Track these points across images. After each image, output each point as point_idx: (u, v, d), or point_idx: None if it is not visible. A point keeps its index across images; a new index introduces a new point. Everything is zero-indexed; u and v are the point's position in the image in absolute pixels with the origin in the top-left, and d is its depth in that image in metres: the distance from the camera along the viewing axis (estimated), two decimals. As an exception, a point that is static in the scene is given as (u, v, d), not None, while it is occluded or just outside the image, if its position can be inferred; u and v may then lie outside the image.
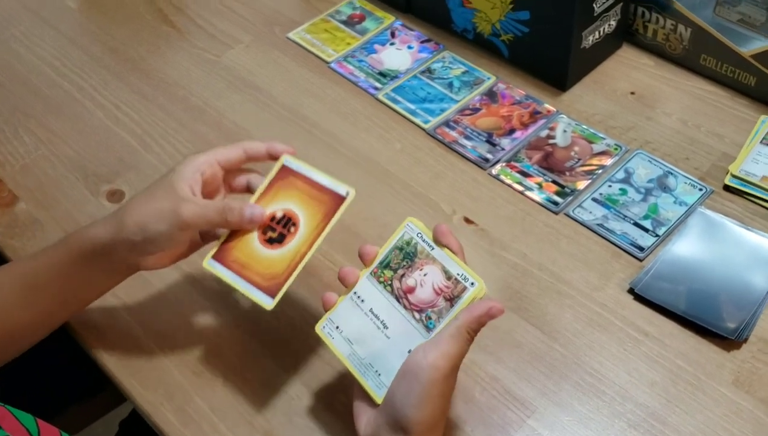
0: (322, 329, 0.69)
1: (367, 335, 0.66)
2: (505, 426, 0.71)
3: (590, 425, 0.70)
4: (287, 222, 0.71)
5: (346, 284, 0.69)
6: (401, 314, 0.65)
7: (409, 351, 0.62)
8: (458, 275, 0.64)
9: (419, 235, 0.67)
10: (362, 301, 0.67)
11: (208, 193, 0.72)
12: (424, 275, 0.65)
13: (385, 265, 0.68)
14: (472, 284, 0.63)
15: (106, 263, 0.70)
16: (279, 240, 0.70)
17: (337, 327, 0.68)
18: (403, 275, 0.66)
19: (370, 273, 0.68)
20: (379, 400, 0.63)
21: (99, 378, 0.82)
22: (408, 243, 0.67)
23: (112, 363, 0.78)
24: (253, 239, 0.70)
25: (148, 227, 0.67)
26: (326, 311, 0.69)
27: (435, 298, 0.64)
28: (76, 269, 0.71)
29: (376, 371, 0.64)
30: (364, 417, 0.64)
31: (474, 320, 0.61)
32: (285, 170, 0.73)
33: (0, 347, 0.73)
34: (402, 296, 0.66)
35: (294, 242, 0.69)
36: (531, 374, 0.74)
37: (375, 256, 0.68)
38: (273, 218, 0.71)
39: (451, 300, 0.63)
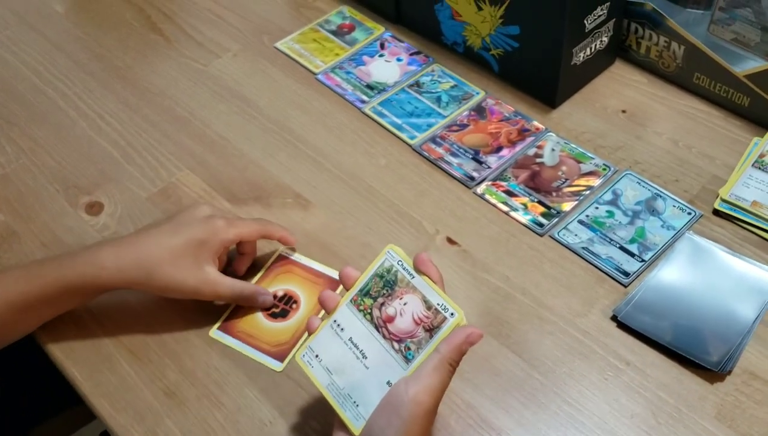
0: (302, 357, 0.67)
1: (347, 364, 0.65)
2: (480, 457, 0.69)
3: (567, 457, 0.69)
4: (289, 300, 0.81)
5: (326, 308, 0.68)
6: (380, 344, 0.64)
7: (388, 383, 0.61)
8: (438, 304, 0.62)
9: (399, 262, 0.65)
10: (342, 329, 0.66)
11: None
12: (404, 304, 0.64)
13: (365, 293, 0.66)
14: (452, 314, 0.62)
15: (102, 293, 0.76)
16: (282, 315, 0.80)
17: (317, 356, 0.66)
18: (382, 304, 0.65)
19: (350, 301, 0.67)
20: (356, 431, 0.62)
21: (70, 394, 0.81)
22: (388, 271, 0.66)
23: (83, 382, 0.76)
24: (258, 314, 0.80)
25: (169, 292, 0.75)
26: (309, 334, 0.67)
27: (414, 328, 0.63)
28: (73, 298, 0.76)
29: (354, 402, 0.63)
30: None
31: (454, 350, 0.60)
32: (283, 258, 0.84)
33: None
34: (381, 326, 0.64)
35: (297, 316, 0.80)
36: (508, 402, 0.73)
37: (356, 280, 0.66)
38: (275, 296, 0.81)
39: (431, 331, 0.62)
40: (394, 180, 0.92)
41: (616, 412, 0.71)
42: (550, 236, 0.85)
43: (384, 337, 0.64)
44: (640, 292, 0.78)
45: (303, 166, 0.95)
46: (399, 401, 0.59)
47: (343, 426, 0.63)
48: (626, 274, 0.80)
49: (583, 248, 0.83)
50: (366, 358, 0.64)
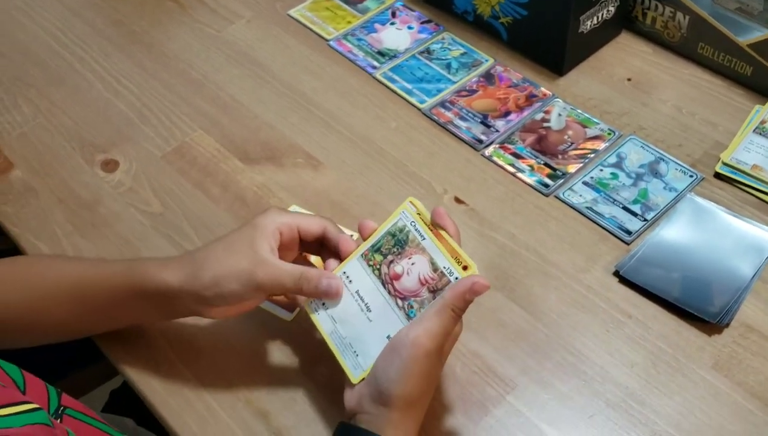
0: (309, 304, 0.70)
1: (351, 315, 0.67)
2: (485, 402, 0.72)
3: (569, 403, 0.71)
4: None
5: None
6: (385, 299, 0.66)
7: (388, 337, 0.63)
8: (444, 268, 0.64)
9: (413, 223, 0.68)
10: (350, 281, 0.68)
11: (283, 254, 0.70)
12: (412, 263, 0.66)
13: (377, 249, 0.68)
14: (457, 278, 0.63)
15: (167, 305, 0.69)
16: None
17: (323, 304, 0.69)
18: (392, 262, 0.67)
19: (361, 255, 0.69)
20: (354, 380, 0.64)
21: (91, 350, 0.83)
22: (401, 230, 0.68)
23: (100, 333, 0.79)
24: None
25: (222, 284, 0.65)
26: None
27: (419, 288, 0.65)
28: (133, 301, 0.70)
29: (355, 352, 0.65)
30: (350, 389, 0.65)
31: (458, 297, 0.61)
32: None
33: (31, 336, 0.75)
34: (388, 282, 0.66)
35: None
36: (513, 352, 0.75)
37: (373, 231, 0.69)
38: None
39: (435, 292, 0.64)
40: (404, 142, 0.94)
41: (617, 361, 0.74)
42: (556, 197, 0.87)
43: (389, 293, 0.66)
44: (642, 249, 0.80)
45: (315, 128, 0.97)
46: (400, 343, 0.61)
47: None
48: (628, 232, 0.82)
49: (587, 207, 0.85)
50: (370, 311, 0.66)
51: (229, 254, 0.66)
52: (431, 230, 0.66)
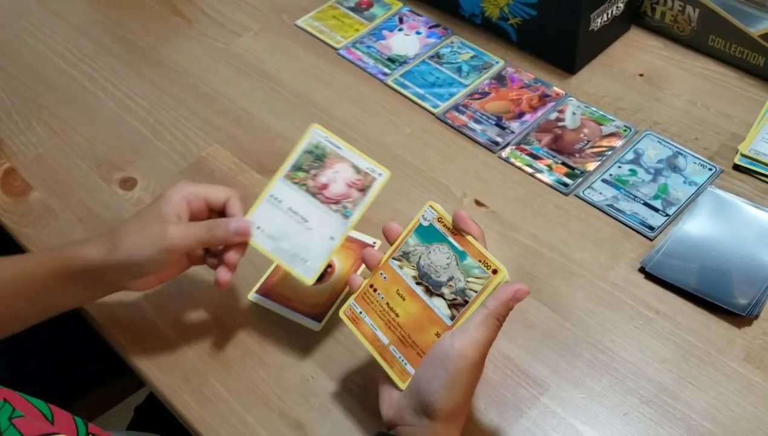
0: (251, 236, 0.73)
1: (290, 230, 0.72)
2: (519, 404, 0.72)
3: (603, 401, 0.71)
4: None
5: (369, 265, 0.69)
6: (318, 208, 0.72)
7: (331, 238, 0.69)
8: (367, 168, 0.70)
9: (326, 138, 0.74)
10: (280, 202, 0.73)
11: (192, 217, 0.73)
12: (335, 172, 0.72)
13: (297, 168, 0.74)
14: (380, 174, 0.70)
15: (93, 281, 0.73)
16: (318, 280, 0.75)
17: (258, 227, 0.72)
18: (315, 175, 0.73)
19: (284, 176, 0.74)
20: (307, 282, 0.70)
21: (116, 365, 0.83)
22: (316, 147, 0.74)
23: (129, 348, 0.79)
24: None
25: (137, 251, 0.70)
26: (352, 292, 0.70)
27: (348, 190, 0.71)
28: (62, 283, 0.72)
29: (303, 259, 0.71)
30: (388, 399, 0.65)
31: (502, 306, 0.61)
32: None
33: None
34: (317, 193, 0.72)
35: (332, 279, 0.82)
36: (544, 352, 0.75)
37: (399, 234, 0.69)
38: None
39: (364, 190, 0.70)
40: (420, 147, 0.94)
41: (648, 358, 0.74)
42: (575, 195, 0.87)
43: (321, 202, 0.72)
44: (666, 243, 0.80)
45: (329, 137, 0.97)
46: (445, 354, 0.61)
47: (389, 380, 0.65)
48: (651, 228, 0.82)
49: (608, 205, 0.85)
50: (307, 221, 0.72)
51: (140, 225, 0.71)
52: (453, 235, 0.66)
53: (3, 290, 0.73)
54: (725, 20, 0.94)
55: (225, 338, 0.78)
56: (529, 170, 0.90)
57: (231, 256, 0.72)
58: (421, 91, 1.00)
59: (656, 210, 0.84)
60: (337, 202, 0.71)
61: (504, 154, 0.92)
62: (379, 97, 1.01)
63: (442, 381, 0.60)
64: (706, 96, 0.96)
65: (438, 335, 0.63)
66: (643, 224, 0.83)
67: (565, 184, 0.88)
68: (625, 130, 0.92)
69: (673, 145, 0.90)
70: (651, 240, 0.82)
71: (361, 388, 0.73)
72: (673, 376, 0.72)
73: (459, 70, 1.02)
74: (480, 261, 0.64)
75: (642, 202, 0.85)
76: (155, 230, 0.69)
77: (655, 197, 0.85)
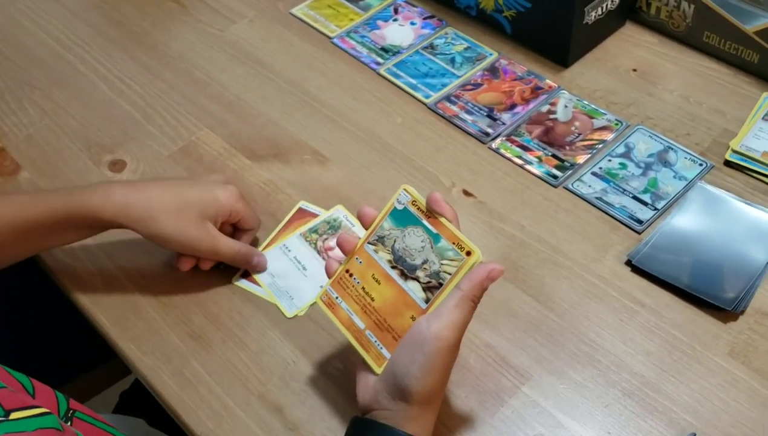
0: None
1: (289, 273, 0.81)
2: (500, 393, 0.71)
3: (585, 393, 0.71)
4: None
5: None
6: (319, 263, 0.81)
7: (321, 286, 0.69)
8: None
9: (345, 217, 0.84)
10: (289, 250, 0.83)
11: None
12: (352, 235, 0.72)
13: (314, 230, 0.83)
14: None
15: (102, 229, 0.77)
16: None
17: None
18: (326, 239, 0.82)
19: (299, 234, 0.83)
20: (287, 315, 0.77)
21: (102, 350, 0.82)
22: (335, 220, 0.84)
23: (111, 328, 0.78)
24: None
25: (167, 242, 0.76)
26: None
27: None
28: (80, 230, 0.77)
29: (291, 297, 0.78)
30: (363, 384, 0.64)
31: (476, 287, 0.61)
32: (302, 211, 0.87)
33: None
34: (322, 251, 0.82)
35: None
36: (527, 342, 0.74)
37: (374, 218, 0.68)
38: None
39: None
40: (411, 137, 0.94)
41: (632, 350, 0.73)
42: (564, 187, 0.87)
43: (323, 259, 0.80)
44: (654, 237, 0.80)
45: (320, 124, 0.96)
46: (421, 337, 0.60)
47: (366, 366, 0.65)
48: (639, 221, 0.82)
49: (596, 197, 0.85)
50: (306, 270, 0.81)
51: (180, 221, 0.75)
52: (427, 218, 0.65)
53: (15, 234, 0.74)
54: (720, 16, 0.94)
55: (207, 321, 0.78)
56: (519, 162, 0.89)
57: (205, 265, 0.81)
58: (413, 81, 1.00)
59: (645, 204, 0.83)
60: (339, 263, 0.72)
61: (494, 145, 0.92)
62: (371, 86, 1.01)
63: (420, 365, 0.60)
64: (700, 92, 0.95)
65: (413, 318, 0.63)
66: (632, 217, 0.82)
67: (555, 177, 0.87)
68: (616, 124, 0.92)
69: (664, 140, 0.89)
70: (639, 233, 0.82)
71: (341, 372, 0.73)
72: (656, 369, 0.72)
73: (452, 61, 1.02)
74: (454, 243, 0.63)
75: (631, 195, 0.84)
76: (191, 236, 0.75)
77: (645, 191, 0.85)
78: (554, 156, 0.89)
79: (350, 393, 0.67)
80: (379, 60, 1.03)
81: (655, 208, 0.83)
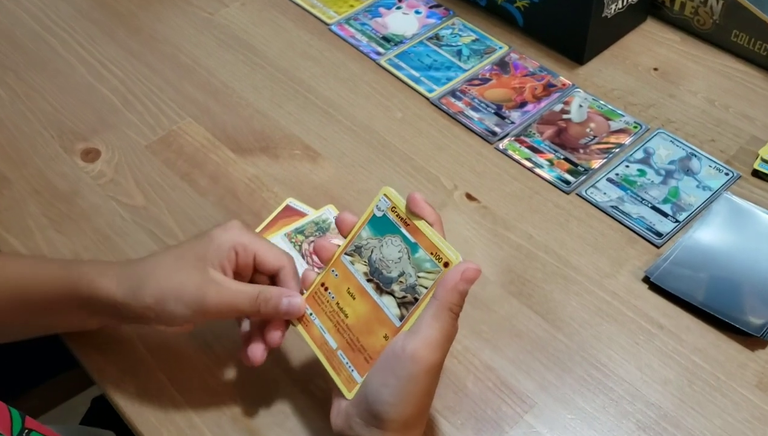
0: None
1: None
2: (500, 421, 0.64)
3: (595, 424, 0.63)
4: None
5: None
6: (303, 268, 0.66)
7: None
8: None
9: (335, 218, 0.63)
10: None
11: (237, 272, 0.63)
12: (330, 242, 0.62)
13: (300, 231, 0.75)
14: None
15: (105, 315, 0.63)
16: None
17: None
18: (312, 242, 0.75)
19: (284, 234, 0.75)
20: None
21: (65, 356, 0.75)
22: (324, 221, 0.76)
23: (71, 335, 0.71)
24: None
25: (167, 305, 0.58)
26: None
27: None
28: (70, 308, 0.63)
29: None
30: (336, 407, 0.58)
31: (451, 292, 0.53)
32: (289, 209, 0.80)
33: None
34: (307, 255, 0.75)
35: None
36: (531, 365, 0.67)
37: (353, 225, 0.61)
38: None
39: None
40: (411, 134, 0.87)
41: (648, 378, 0.66)
42: (577, 194, 0.79)
43: (308, 263, 0.74)
44: (674, 252, 0.72)
45: (313, 117, 0.89)
46: (395, 359, 0.53)
47: (339, 392, 0.58)
48: (659, 234, 0.75)
49: (612, 206, 0.77)
50: None
51: (176, 271, 0.59)
52: (406, 225, 0.57)
53: (13, 301, 0.64)
54: (752, 14, 0.86)
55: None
56: (528, 164, 0.82)
57: (274, 336, 0.61)
58: (416, 73, 0.92)
59: (665, 215, 0.76)
60: (320, 268, 0.62)
61: (501, 145, 0.84)
62: (370, 77, 0.93)
63: (392, 389, 0.52)
64: (726, 95, 0.88)
65: (386, 337, 0.55)
66: (650, 229, 0.75)
67: (567, 182, 0.80)
68: (635, 127, 0.84)
69: (687, 146, 0.82)
70: (658, 248, 0.74)
71: (323, 392, 0.65)
72: (675, 400, 0.64)
73: (459, 53, 0.94)
74: (432, 253, 0.55)
75: (650, 205, 0.77)
76: (192, 286, 0.58)
77: (665, 201, 0.77)
78: (566, 159, 0.82)
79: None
80: (380, 50, 0.96)
81: (676, 220, 0.75)
